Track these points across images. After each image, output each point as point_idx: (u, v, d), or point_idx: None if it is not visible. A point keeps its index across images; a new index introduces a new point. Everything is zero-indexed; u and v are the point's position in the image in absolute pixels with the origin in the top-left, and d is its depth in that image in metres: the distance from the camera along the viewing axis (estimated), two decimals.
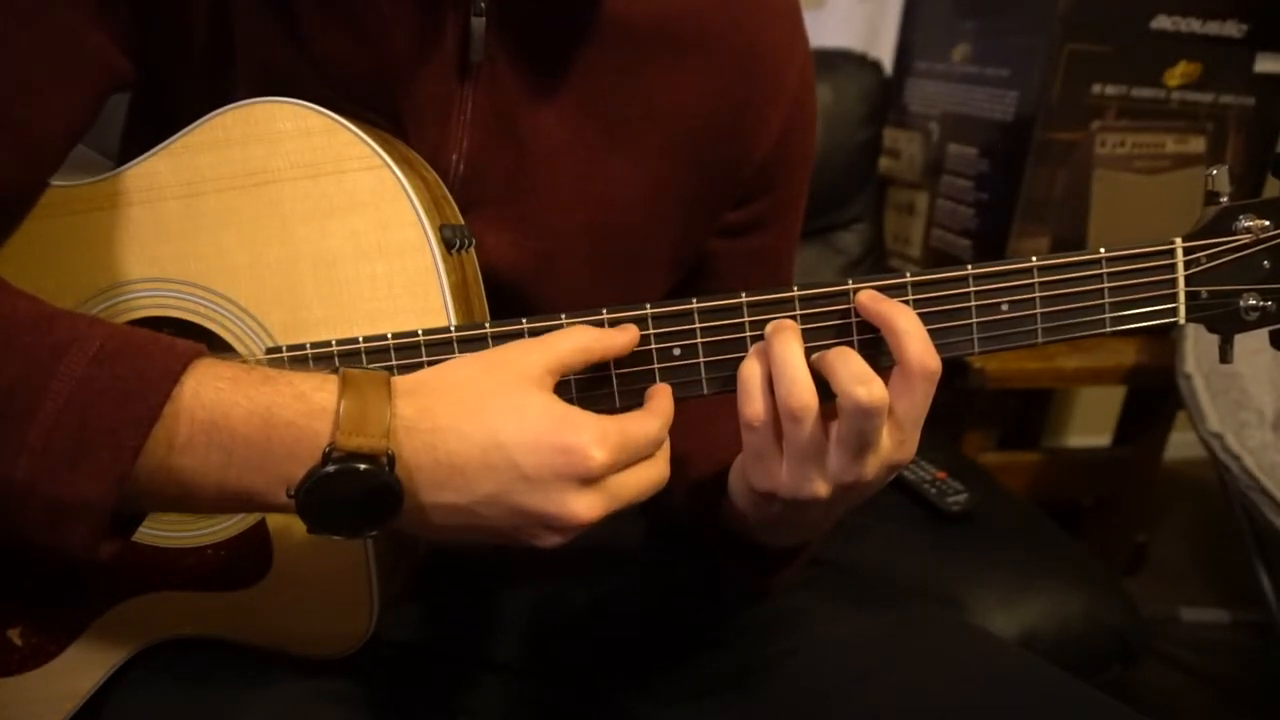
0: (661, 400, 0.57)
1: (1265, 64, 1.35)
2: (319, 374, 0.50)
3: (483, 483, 0.49)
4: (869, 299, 0.55)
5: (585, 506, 0.50)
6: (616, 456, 0.50)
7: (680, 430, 0.75)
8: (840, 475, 0.54)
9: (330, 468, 0.47)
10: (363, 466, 0.47)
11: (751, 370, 0.55)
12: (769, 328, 0.56)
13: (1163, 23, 1.30)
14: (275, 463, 0.48)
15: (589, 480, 0.50)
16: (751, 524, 0.64)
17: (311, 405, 0.48)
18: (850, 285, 0.56)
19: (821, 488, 0.55)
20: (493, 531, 0.51)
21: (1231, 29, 1.32)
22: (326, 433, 0.47)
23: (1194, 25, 1.31)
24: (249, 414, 0.47)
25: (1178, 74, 1.33)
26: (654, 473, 0.54)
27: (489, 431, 0.49)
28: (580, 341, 0.54)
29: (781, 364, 0.53)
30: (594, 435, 0.49)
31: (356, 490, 0.47)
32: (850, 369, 0.52)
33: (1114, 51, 1.29)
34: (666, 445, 0.56)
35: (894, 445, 0.54)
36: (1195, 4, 1.29)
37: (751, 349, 0.56)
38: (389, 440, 0.48)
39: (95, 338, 0.47)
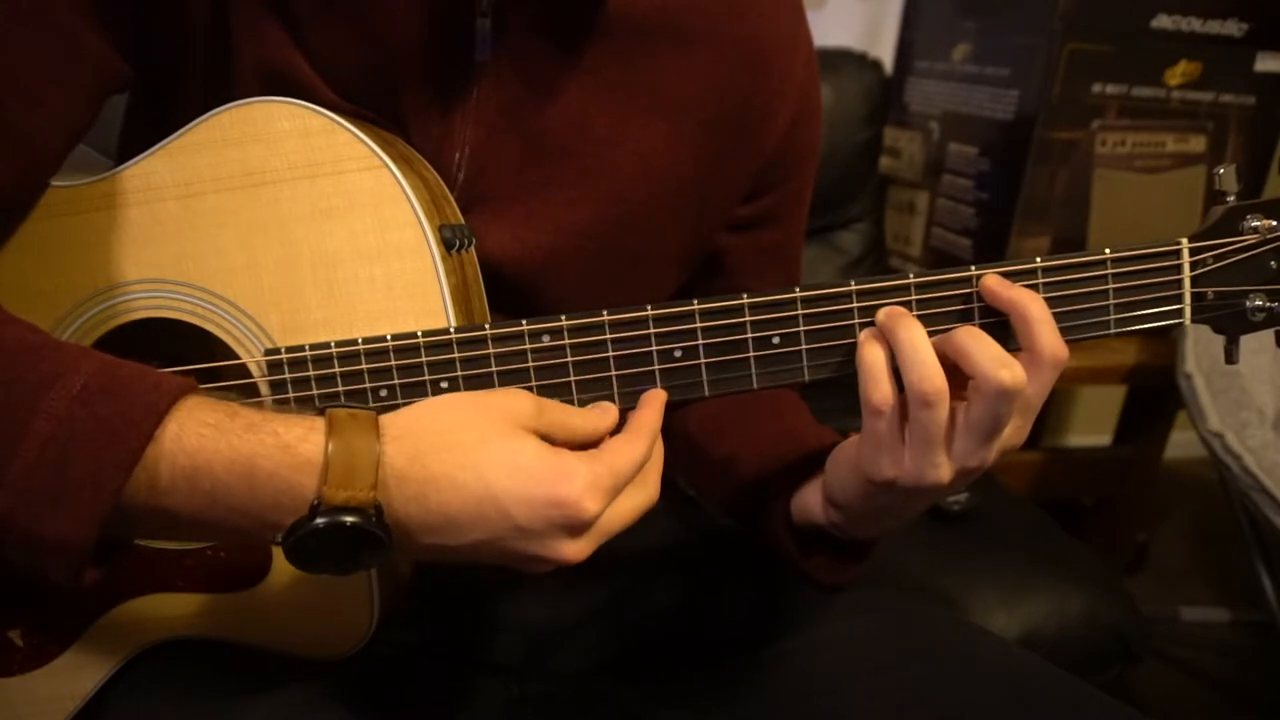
0: (647, 414, 0.56)
1: (1265, 63, 1.35)
2: (306, 419, 0.49)
3: (474, 531, 0.49)
4: (999, 285, 0.55)
5: (575, 550, 0.50)
6: (608, 500, 0.50)
7: (720, 433, 0.75)
8: (965, 459, 0.54)
9: (318, 521, 0.46)
10: (350, 520, 0.46)
11: (875, 356, 0.54)
12: (885, 314, 0.55)
13: (1163, 22, 1.30)
14: (260, 511, 0.48)
15: (580, 531, 0.50)
16: (846, 517, 0.63)
17: (296, 457, 0.47)
18: (851, 284, 0.56)
19: (946, 472, 0.54)
20: (481, 563, 0.51)
21: (1232, 28, 1.32)
22: (312, 486, 0.47)
23: (1194, 24, 1.31)
24: (231, 462, 0.47)
25: (1178, 73, 1.33)
26: (642, 498, 0.54)
27: (483, 483, 0.49)
28: (569, 421, 0.54)
29: (911, 349, 0.53)
30: (586, 484, 0.49)
31: (343, 540, 0.47)
32: (989, 350, 0.52)
33: (1114, 51, 1.29)
34: (657, 459, 0.56)
35: (1013, 430, 0.54)
36: (1195, 3, 1.29)
37: (864, 334, 0.55)
38: (377, 492, 0.47)
39: (80, 374, 0.46)
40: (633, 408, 0.57)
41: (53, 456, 0.45)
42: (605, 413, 0.56)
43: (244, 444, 0.47)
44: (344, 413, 0.49)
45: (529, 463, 0.49)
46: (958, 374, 0.53)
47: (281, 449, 0.47)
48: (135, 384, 0.47)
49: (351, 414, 0.49)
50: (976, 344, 0.52)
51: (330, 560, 0.48)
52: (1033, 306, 0.54)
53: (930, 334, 0.54)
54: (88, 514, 0.45)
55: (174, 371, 0.50)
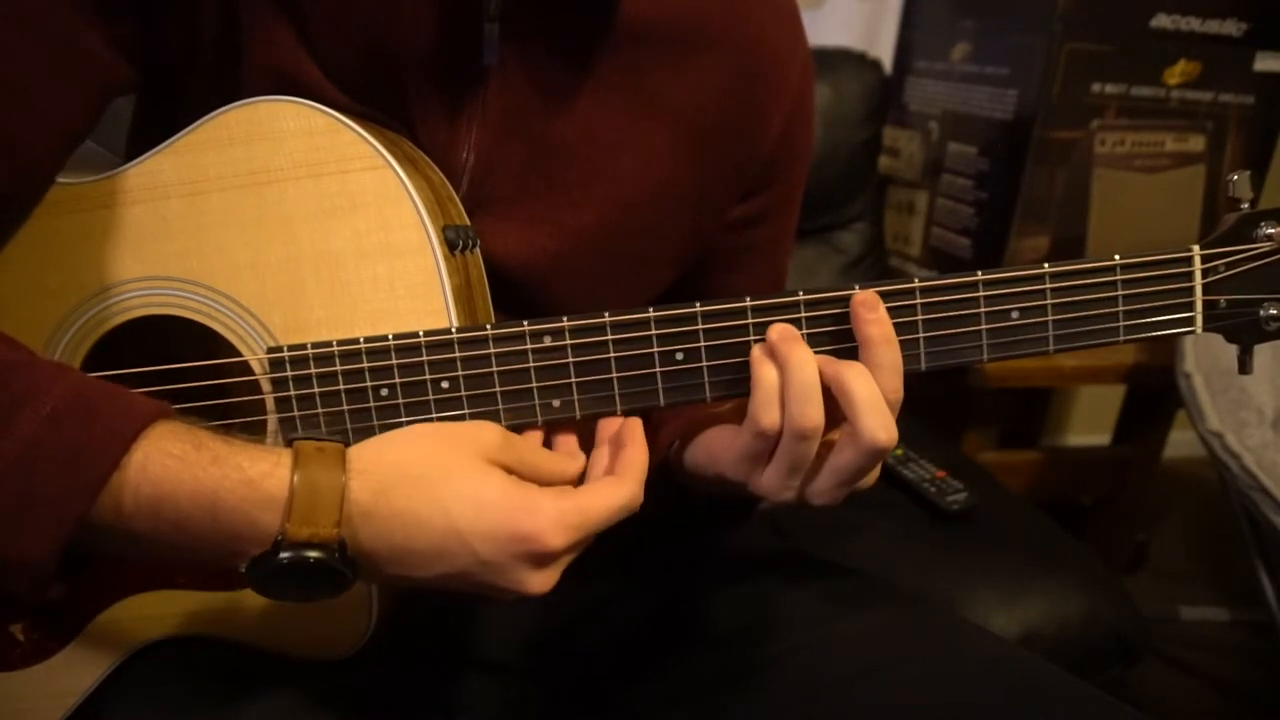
0: (635, 454, 0.56)
1: (1265, 63, 1.35)
2: (272, 453, 0.49)
3: (439, 565, 0.50)
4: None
5: (539, 583, 0.51)
6: (573, 538, 0.51)
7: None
8: (815, 496, 0.55)
9: (281, 557, 0.47)
10: (313, 556, 0.47)
11: (771, 377, 0.54)
12: (776, 333, 0.55)
13: (1162, 21, 1.30)
14: (224, 542, 0.48)
15: (545, 563, 0.50)
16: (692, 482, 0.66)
17: (260, 494, 0.48)
18: (855, 290, 0.55)
19: (792, 496, 0.56)
20: (449, 591, 0.52)
21: (1231, 28, 1.32)
22: (275, 523, 0.47)
23: (1194, 24, 1.31)
24: (195, 495, 0.47)
25: (1177, 73, 1.33)
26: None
27: (447, 519, 0.49)
28: (535, 460, 0.55)
29: (800, 382, 0.53)
30: (550, 521, 0.49)
31: (306, 574, 0.48)
32: (874, 403, 0.52)
33: (1114, 50, 1.30)
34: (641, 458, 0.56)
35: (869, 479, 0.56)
36: (1195, 3, 1.29)
37: (758, 351, 0.56)
38: (341, 529, 0.48)
39: (51, 396, 0.47)
40: (635, 411, 0.58)
41: (18, 480, 0.45)
42: (573, 459, 0.57)
43: (208, 477, 0.48)
44: (311, 446, 0.49)
45: (493, 497, 0.50)
46: (831, 403, 0.54)
47: (245, 484, 0.48)
48: (106, 408, 0.48)
49: (319, 447, 0.49)
50: (863, 387, 0.52)
51: (294, 591, 0.49)
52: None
53: (827, 352, 0.55)
54: (51, 535, 0.46)
55: (168, 370, 0.50)
